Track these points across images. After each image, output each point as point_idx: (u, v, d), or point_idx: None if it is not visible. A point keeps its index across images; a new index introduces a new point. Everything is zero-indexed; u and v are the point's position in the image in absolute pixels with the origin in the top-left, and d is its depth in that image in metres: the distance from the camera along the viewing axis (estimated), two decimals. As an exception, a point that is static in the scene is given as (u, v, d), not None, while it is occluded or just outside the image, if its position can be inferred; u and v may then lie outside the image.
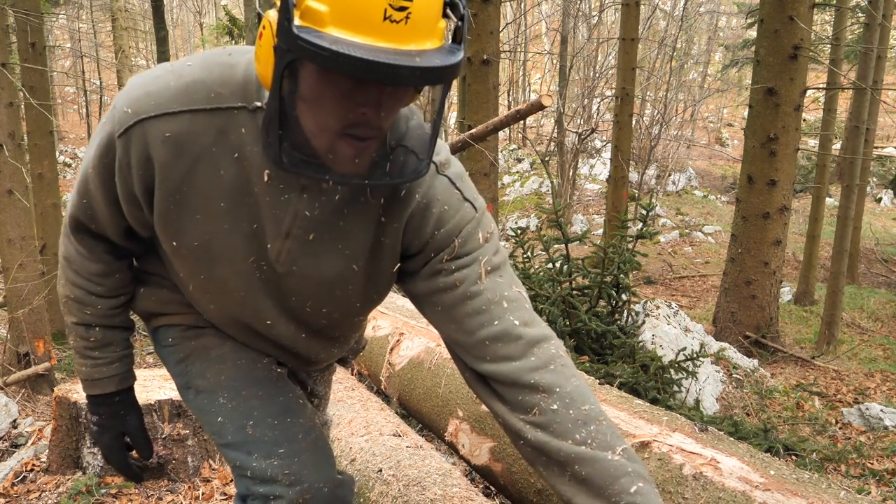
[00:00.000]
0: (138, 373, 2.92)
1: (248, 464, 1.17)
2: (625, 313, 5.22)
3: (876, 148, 15.56)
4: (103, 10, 22.65)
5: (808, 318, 9.32)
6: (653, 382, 4.12)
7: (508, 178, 17.42)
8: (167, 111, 1.04)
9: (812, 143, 19.66)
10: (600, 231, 11.90)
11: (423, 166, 1.05)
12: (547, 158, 14.21)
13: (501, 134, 13.67)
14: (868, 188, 13.50)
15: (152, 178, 1.08)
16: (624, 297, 5.02)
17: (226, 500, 2.55)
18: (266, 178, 1.07)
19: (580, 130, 13.01)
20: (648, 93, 16.61)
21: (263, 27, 0.94)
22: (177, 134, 1.04)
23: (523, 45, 19.81)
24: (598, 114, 15.09)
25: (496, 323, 1.13)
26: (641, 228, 4.97)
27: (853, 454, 4.38)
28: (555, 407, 1.09)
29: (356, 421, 2.33)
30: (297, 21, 0.87)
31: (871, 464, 4.30)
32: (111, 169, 1.09)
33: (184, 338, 1.31)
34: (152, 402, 2.58)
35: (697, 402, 4.92)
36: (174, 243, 1.14)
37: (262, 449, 1.17)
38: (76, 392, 2.70)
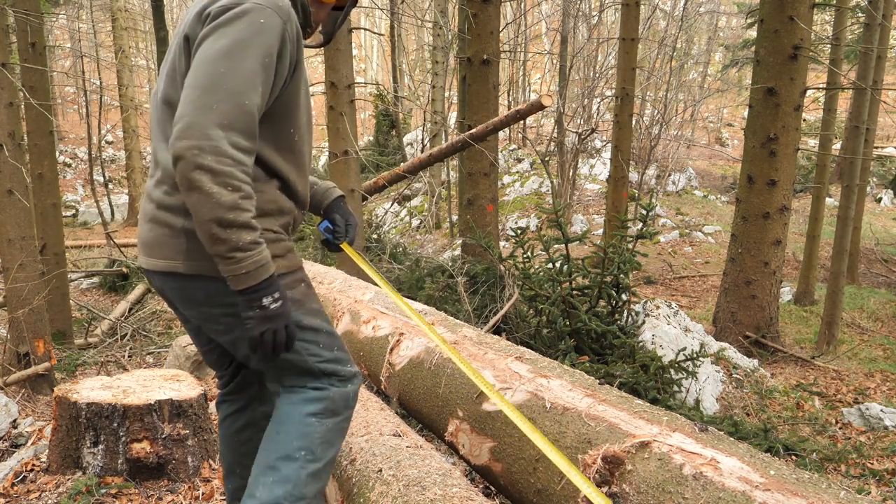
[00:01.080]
0: (138, 373, 2.93)
1: (341, 370, 1.77)
2: (625, 313, 5.22)
3: (876, 148, 15.57)
4: (103, 10, 22.66)
5: (808, 318, 9.32)
6: (653, 382, 4.12)
7: (508, 178, 17.41)
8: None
9: (812, 143, 19.70)
10: (600, 231, 11.90)
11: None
12: (547, 158, 14.22)
13: (501, 134, 13.66)
14: (868, 188, 13.51)
15: (297, 49, 1.61)
16: (624, 297, 5.02)
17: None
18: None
19: (580, 130, 13.01)
20: (648, 93, 16.63)
21: None
22: (294, 18, 1.61)
23: (523, 45, 19.79)
24: (598, 114, 15.10)
25: None
26: (641, 228, 4.96)
27: (853, 454, 4.38)
28: None
29: (356, 421, 2.33)
30: None
31: (871, 464, 4.30)
32: (282, 51, 1.54)
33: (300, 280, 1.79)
34: (152, 402, 2.58)
35: (697, 402, 4.92)
36: (300, 97, 1.68)
37: (346, 362, 1.80)
38: (76, 392, 2.70)
